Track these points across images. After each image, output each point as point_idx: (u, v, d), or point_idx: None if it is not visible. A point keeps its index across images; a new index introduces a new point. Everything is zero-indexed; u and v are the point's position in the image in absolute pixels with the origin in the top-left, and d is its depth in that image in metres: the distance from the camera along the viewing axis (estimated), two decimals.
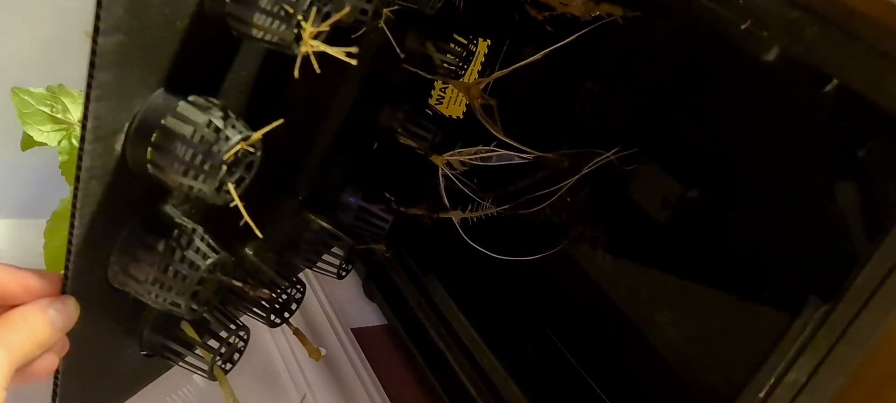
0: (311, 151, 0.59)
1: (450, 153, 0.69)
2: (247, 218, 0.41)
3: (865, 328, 0.42)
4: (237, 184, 0.41)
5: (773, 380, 0.47)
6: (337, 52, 0.38)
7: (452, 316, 0.73)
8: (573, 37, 0.60)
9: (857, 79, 0.45)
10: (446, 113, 0.74)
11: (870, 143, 0.54)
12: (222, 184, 0.40)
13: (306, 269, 0.66)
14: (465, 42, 0.63)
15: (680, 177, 0.67)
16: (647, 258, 0.70)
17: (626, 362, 0.72)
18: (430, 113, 0.69)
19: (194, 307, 0.43)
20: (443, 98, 0.73)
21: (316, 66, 0.39)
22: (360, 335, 0.75)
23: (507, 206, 0.72)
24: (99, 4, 0.35)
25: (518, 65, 0.62)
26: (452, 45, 0.63)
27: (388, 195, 0.69)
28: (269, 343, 0.70)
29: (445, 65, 0.64)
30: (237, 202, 0.41)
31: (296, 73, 0.38)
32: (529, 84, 0.75)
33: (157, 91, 0.40)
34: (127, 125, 0.39)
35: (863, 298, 0.43)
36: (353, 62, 0.39)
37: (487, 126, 0.63)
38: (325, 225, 0.62)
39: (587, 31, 0.64)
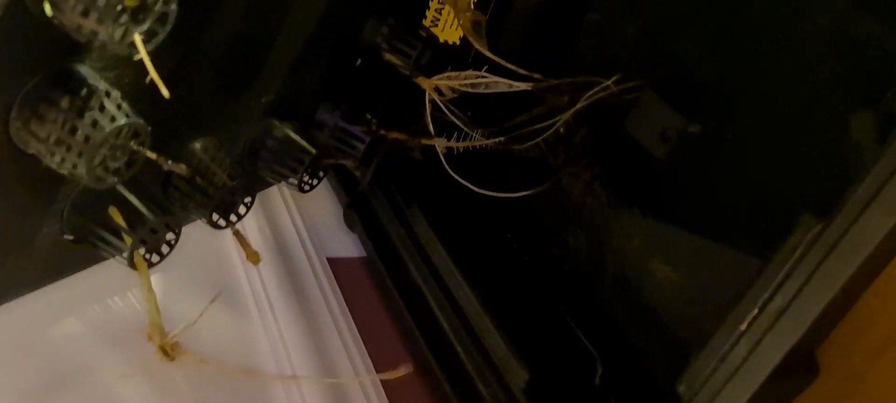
0: (276, 50, 0.55)
1: (438, 76, 0.64)
2: (153, 73, 0.37)
3: (859, 240, 0.37)
4: (147, 37, 0.37)
5: (755, 311, 0.42)
6: None
7: (432, 249, 0.68)
8: None
9: None
10: (441, 37, 0.69)
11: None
12: (126, 31, 0.36)
13: (275, 183, 0.62)
14: None
15: (681, 109, 0.61)
16: (641, 196, 0.64)
17: (609, 302, 0.67)
18: (424, 34, 0.64)
19: (99, 175, 0.40)
20: (438, 20, 0.68)
21: None
22: (336, 265, 0.71)
23: (497, 140, 0.67)
24: None
25: None
26: None
27: (369, 116, 0.64)
28: (234, 254, 0.66)
29: None
30: (143, 54, 0.37)
31: None
32: (531, 11, 0.69)
33: None
34: None
35: (859, 209, 0.38)
36: None
37: (474, 43, 0.58)
38: (289, 133, 0.57)
39: None
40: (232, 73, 0.52)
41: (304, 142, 0.57)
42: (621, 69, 0.65)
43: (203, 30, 0.47)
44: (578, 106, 0.62)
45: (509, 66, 0.57)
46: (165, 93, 0.37)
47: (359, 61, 0.64)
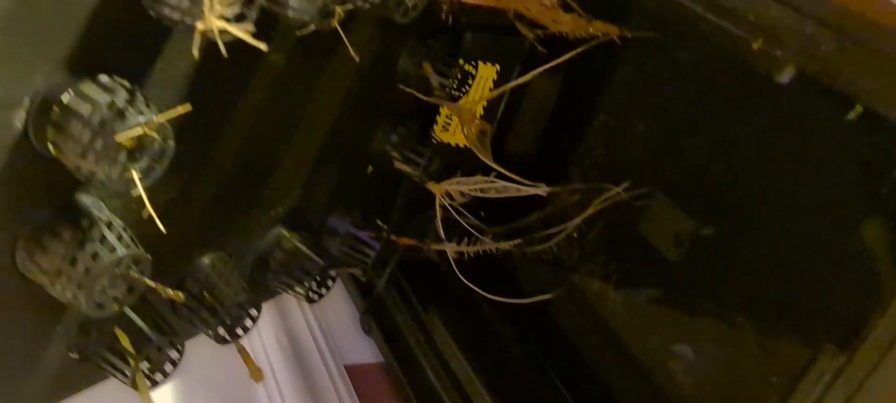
0: (285, 165, 0.56)
1: (448, 181, 0.64)
2: (150, 209, 0.38)
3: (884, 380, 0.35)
4: (145, 173, 0.38)
5: None
6: (240, 33, 0.35)
7: (451, 356, 0.68)
8: (569, 54, 0.55)
9: (881, 102, 0.38)
10: (452, 141, 0.70)
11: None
12: (125, 170, 0.37)
13: (283, 293, 0.62)
14: (461, 63, 0.59)
15: (693, 213, 0.60)
16: (659, 299, 0.62)
17: None
18: (435, 140, 0.65)
19: (98, 302, 0.40)
20: (449, 124, 0.69)
21: (222, 48, 0.36)
22: (354, 372, 0.71)
23: (510, 242, 0.67)
24: None
25: (506, 86, 0.57)
26: (448, 68, 0.59)
27: (379, 222, 0.65)
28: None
29: (441, 85, 0.59)
30: (141, 191, 0.38)
31: (194, 52, 0.35)
32: (542, 113, 0.70)
33: (63, 68, 0.38)
34: (28, 101, 0.37)
35: (882, 348, 0.37)
36: (262, 46, 0.35)
37: (478, 152, 0.58)
38: (298, 244, 0.58)
39: (600, 58, 0.59)
40: (240, 191, 0.53)
41: (311, 254, 0.58)
42: (632, 169, 0.65)
43: (209, 153, 0.49)
44: (588, 212, 0.61)
45: (512, 176, 0.57)
46: (162, 228, 0.38)
47: (370, 169, 0.65)
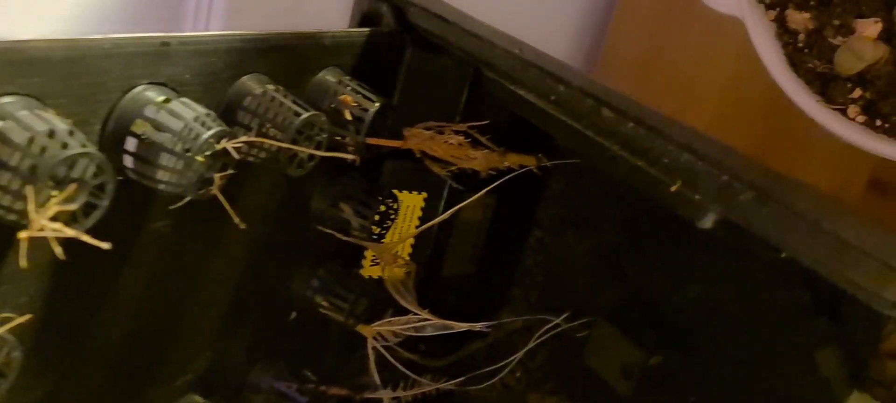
0: (190, 329, 0.51)
1: (380, 322, 0.60)
2: None
3: None
4: None
5: None
6: (80, 235, 0.31)
7: None
8: (500, 181, 0.52)
9: (804, 256, 0.35)
10: (386, 276, 0.66)
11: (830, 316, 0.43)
12: None
13: None
14: (379, 199, 0.55)
15: (640, 342, 0.56)
16: None
17: None
18: (369, 278, 0.61)
19: None
20: (378, 259, 0.65)
21: (59, 252, 0.32)
22: None
23: (453, 382, 0.62)
24: None
25: (434, 221, 0.53)
26: (367, 206, 0.55)
27: (307, 373, 0.60)
28: None
29: (361, 224, 0.56)
30: None
31: (21, 262, 0.31)
32: (478, 232, 0.66)
33: None
34: None
35: None
36: (105, 246, 0.31)
37: (397, 297, 0.54)
38: None
39: (534, 174, 0.56)
40: (133, 370, 0.49)
41: None
42: (574, 293, 0.61)
43: (87, 339, 0.44)
44: (529, 346, 0.57)
45: (440, 320, 0.53)
46: None
47: (293, 314, 0.60)
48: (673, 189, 0.40)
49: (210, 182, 0.40)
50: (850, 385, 0.46)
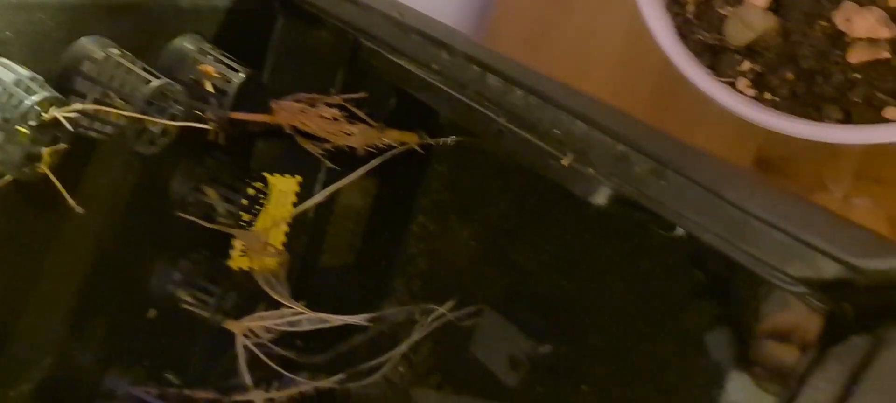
0: (25, 334, 0.45)
1: (250, 317, 0.55)
2: None
3: None
4: None
5: None
6: None
7: None
8: (380, 159, 0.48)
9: (702, 232, 0.33)
10: (256, 267, 0.60)
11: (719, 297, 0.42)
12: None
13: None
14: (248, 182, 0.50)
15: (529, 331, 0.54)
16: None
17: None
18: (238, 269, 0.56)
19: None
20: (247, 250, 0.60)
21: None
22: None
23: (332, 379, 0.58)
24: None
25: (307, 203, 0.49)
26: (235, 190, 0.50)
27: (170, 376, 0.54)
28: None
29: (228, 210, 0.50)
30: None
31: None
32: (358, 219, 0.62)
33: None
34: None
35: None
36: None
37: (268, 289, 0.49)
38: None
39: (416, 155, 0.52)
40: None
41: None
42: (459, 281, 0.58)
43: None
44: (413, 339, 0.54)
45: (316, 314, 0.49)
46: None
47: (152, 312, 0.54)
48: (564, 162, 0.37)
49: (38, 158, 0.34)
50: (737, 368, 0.46)
